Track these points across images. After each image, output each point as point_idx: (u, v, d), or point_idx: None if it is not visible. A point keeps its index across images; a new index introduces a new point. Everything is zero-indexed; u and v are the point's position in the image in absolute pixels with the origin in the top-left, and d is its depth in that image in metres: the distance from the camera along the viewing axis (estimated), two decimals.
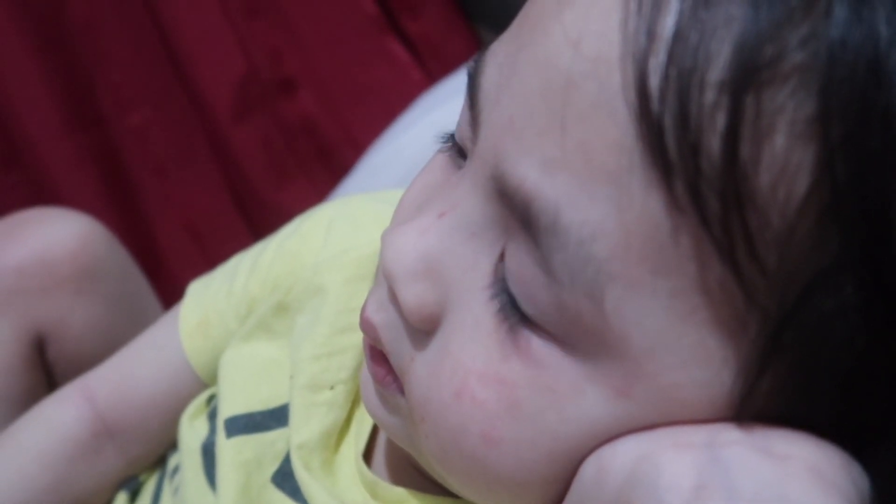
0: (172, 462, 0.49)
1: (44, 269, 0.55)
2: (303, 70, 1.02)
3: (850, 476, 0.25)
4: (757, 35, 0.24)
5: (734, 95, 0.24)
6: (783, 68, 0.24)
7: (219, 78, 0.99)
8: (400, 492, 0.37)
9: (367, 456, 0.40)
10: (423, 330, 0.31)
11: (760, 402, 0.27)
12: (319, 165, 1.04)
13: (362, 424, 0.41)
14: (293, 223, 0.50)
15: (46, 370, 0.56)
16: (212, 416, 0.45)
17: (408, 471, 0.38)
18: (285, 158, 1.03)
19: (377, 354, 0.34)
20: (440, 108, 0.81)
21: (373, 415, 0.35)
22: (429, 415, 0.31)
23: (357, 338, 0.41)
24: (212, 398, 0.48)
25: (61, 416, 0.48)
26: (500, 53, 0.30)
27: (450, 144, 0.34)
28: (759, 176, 0.24)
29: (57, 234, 0.56)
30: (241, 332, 0.46)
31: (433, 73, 1.02)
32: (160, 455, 0.50)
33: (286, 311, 0.45)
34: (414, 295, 0.30)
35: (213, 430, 0.44)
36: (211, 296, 0.49)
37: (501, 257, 0.29)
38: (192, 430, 0.45)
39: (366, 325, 0.33)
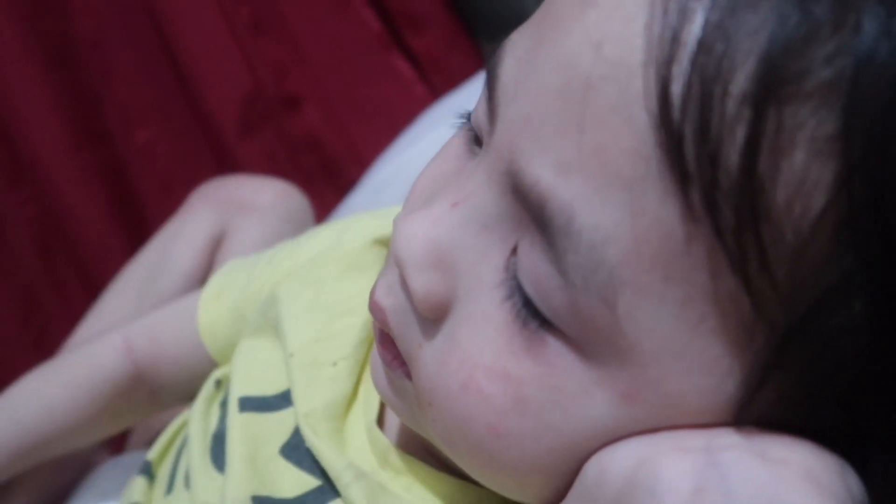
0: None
1: (253, 195, 0.73)
2: (308, 86, 1.02)
3: (845, 482, 0.25)
4: (783, 49, 0.24)
5: (756, 109, 0.24)
6: (807, 84, 0.24)
7: (224, 94, 1.00)
8: (409, 460, 0.37)
9: (380, 425, 0.40)
10: (432, 318, 0.31)
11: (761, 409, 0.27)
12: (324, 181, 1.04)
13: (370, 395, 0.41)
14: (314, 229, 0.54)
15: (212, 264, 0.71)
16: (223, 404, 0.46)
17: (419, 441, 0.38)
18: (290, 174, 1.03)
19: (385, 337, 0.34)
20: (444, 123, 0.81)
21: (381, 394, 0.36)
22: (436, 401, 0.31)
23: (355, 318, 0.43)
24: (219, 382, 0.49)
25: (105, 358, 0.55)
26: (520, 47, 0.30)
27: (466, 129, 0.34)
28: (776, 190, 0.24)
29: (272, 183, 0.76)
30: (250, 325, 0.48)
31: (437, 89, 1.03)
32: (189, 396, 0.54)
33: (276, 301, 0.46)
34: (424, 283, 0.31)
35: (223, 418, 0.45)
36: (234, 273, 0.53)
37: (513, 251, 0.29)
38: (204, 422, 0.46)
39: (375, 309, 0.34)
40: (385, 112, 1.02)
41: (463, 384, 0.30)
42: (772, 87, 0.24)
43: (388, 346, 0.34)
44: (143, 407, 0.56)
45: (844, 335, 0.25)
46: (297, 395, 0.41)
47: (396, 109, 1.01)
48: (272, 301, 0.46)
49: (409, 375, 0.33)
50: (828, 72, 0.24)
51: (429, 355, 0.31)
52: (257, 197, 0.73)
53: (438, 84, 1.03)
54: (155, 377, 0.55)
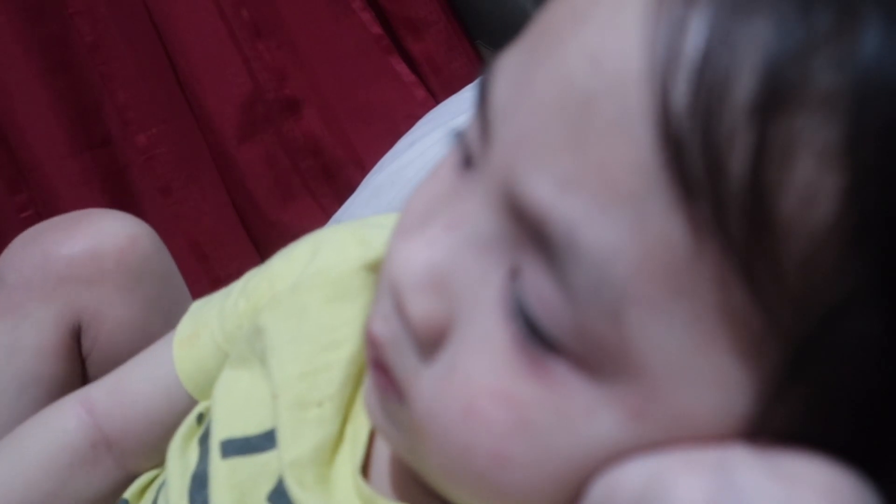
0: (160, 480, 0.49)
1: (92, 261, 0.57)
2: (308, 90, 1.03)
3: (862, 499, 0.25)
4: (786, 57, 0.23)
5: (761, 118, 0.23)
6: (812, 92, 0.23)
7: (224, 98, 1.00)
8: None
9: (366, 471, 0.40)
10: (429, 344, 0.30)
11: (775, 424, 0.26)
12: (324, 184, 1.04)
13: (356, 438, 0.40)
14: (288, 247, 0.51)
15: (82, 359, 0.59)
16: (203, 440, 0.45)
17: (409, 485, 0.38)
18: (290, 177, 1.03)
19: (380, 364, 0.33)
20: (444, 126, 0.81)
21: (376, 424, 0.35)
22: (435, 430, 0.30)
23: (342, 353, 0.41)
24: (201, 416, 0.48)
25: (62, 425, 0.50)
26: (513, 66, 0.29)
27: (458, 149, 0.33)
28: (785, 200, 0.24)
29: (109, 232, 0.58)
30: (233, 356, 0.46)
31: (436, 93, 1.03)
32: (160, 465, 0.50)
33: (260, 332, 0.45)
34: (421, 307, 0.30)
35: (203, 456, 0.44)
36: (205, 312, 0.50)
37: (512, 273, 0.29)
38: (182, 460, 0.45)
39: (370, 340, 0.33)
40: (385, 115, 1.02)
41: (464, 410, 0.29)
42: (775, 96, 0.23)
43: (382, 371, 0.33)
44: (107, 482, 0.50)
45: (860, 346, 0.25)
46: (282, 440, 0.40)
47: (396, 112, 1.02)
48: (257, 332, 0.45)
49: (402, 400, 0.32)
50: (832, 80, 0.23)
51: (427, 382, 0.30)
52: (97, 256, 0.57)
53: (437, 87, 1.04)
54: (121, 440, 0.50)
